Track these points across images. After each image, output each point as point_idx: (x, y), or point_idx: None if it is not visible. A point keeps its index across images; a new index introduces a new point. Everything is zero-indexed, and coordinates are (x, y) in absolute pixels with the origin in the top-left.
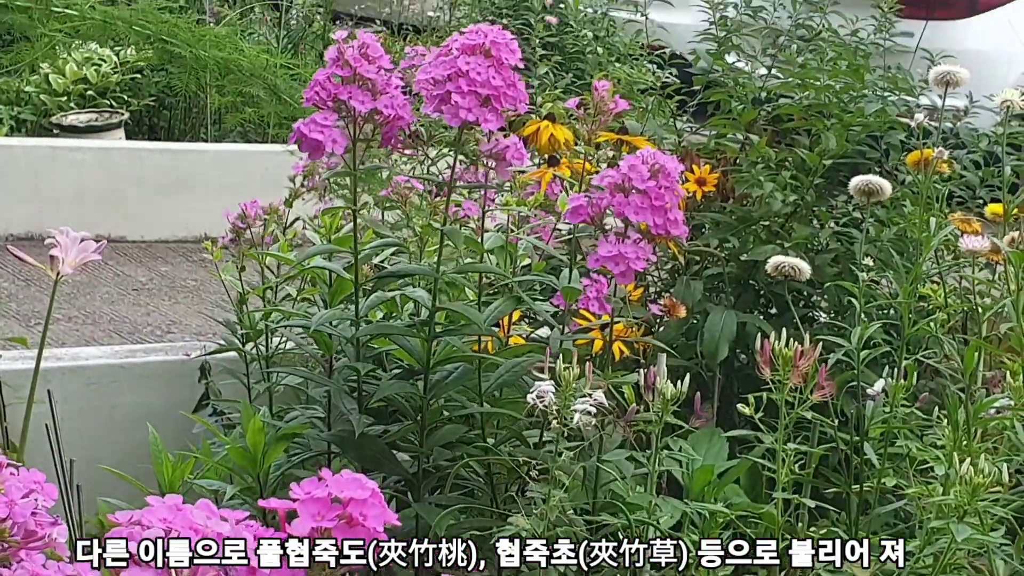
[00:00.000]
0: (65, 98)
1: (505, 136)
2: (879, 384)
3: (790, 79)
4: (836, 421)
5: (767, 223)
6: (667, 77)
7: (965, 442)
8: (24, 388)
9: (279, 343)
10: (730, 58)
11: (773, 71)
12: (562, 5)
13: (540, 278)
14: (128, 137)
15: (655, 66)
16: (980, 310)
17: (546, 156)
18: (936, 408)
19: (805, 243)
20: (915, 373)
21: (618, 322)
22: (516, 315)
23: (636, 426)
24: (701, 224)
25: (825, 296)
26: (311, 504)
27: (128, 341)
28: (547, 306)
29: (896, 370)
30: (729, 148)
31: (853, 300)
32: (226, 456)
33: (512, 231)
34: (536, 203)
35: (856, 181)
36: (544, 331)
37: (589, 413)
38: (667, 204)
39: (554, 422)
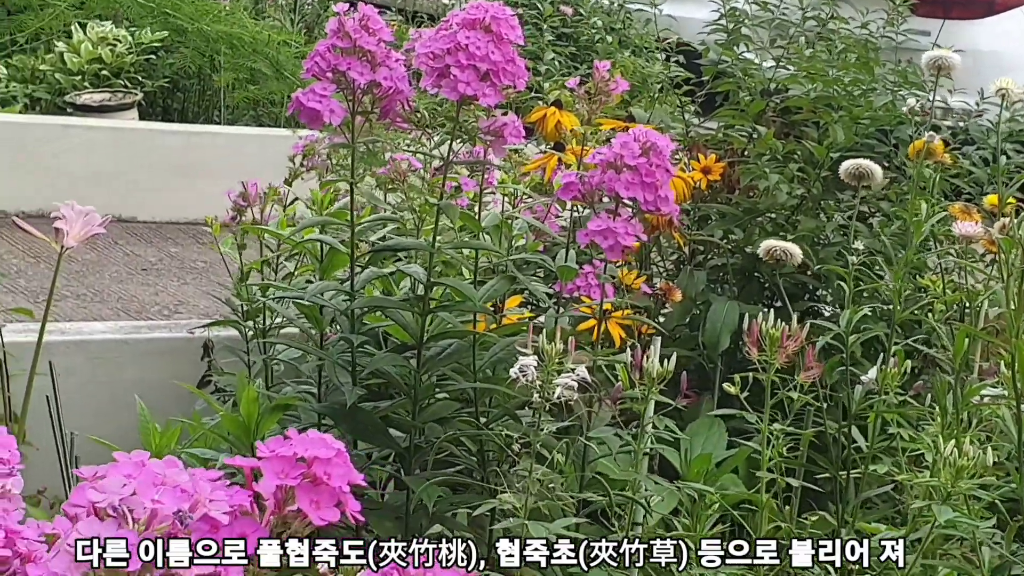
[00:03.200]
0: (80, 77)
1: (505, 115)
2: (873, 371)
3: (798, 71)
4: (826, 406)
5: (773, 215)
6: (676, 69)
7: (953, 428)
8: (27, 360)
9: (280, 321)
10: (740, 50)
11: (782, 63)
12: None
13: (535, 258)
14: (142, 118)
15: (665, 56)
16: (972, 296)
17: (552, 143)
18: (929, 398)
19: (811, 236)
20: (906, 360)
21: (614, 306)
22: (517, 300)
23: (626, 406)
24: (708, 215)
25: (830, 290)
26: (276, 462)
27: (135, 319)
28: (543, 287)
29: (887, 357)
30: (736, 139)
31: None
32: (219, 424)
33: (509, 211)
34: (532, 183)
35: (847, 164)
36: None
37: (571, 388)
38: (657, 181)
39: (536, 396)
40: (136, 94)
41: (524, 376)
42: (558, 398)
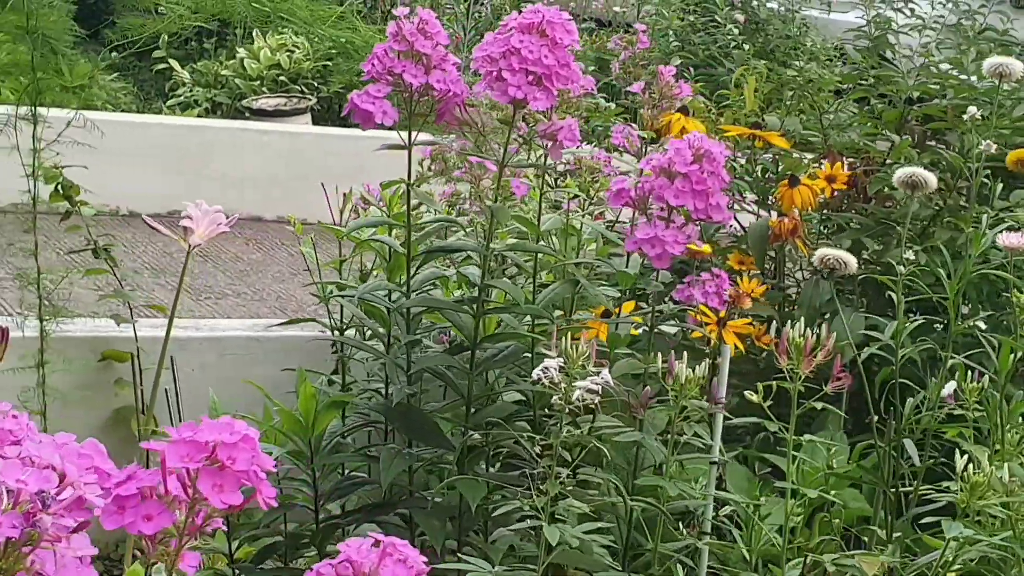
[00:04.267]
0: (259, 82)
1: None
2: (950, 386)
3: (930, 79)
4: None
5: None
6: (812, 74)
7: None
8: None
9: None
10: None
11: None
12: (755, 3)
13: (601, 261)
14: (315, 122)
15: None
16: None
17: None
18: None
19: (946, 247)
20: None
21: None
22: (631, 306)
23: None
24: (842, 224)
25: (969, 304)
26: (180, 446)
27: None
28: (610, 291)
29: (943, 370)
30: (872, 148)
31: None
32: (280, 421)
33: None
34: (603, 187)
35: (900, 173)
36: (664, 326)
37: (593, 391)
38: (709, 189)
39: (555, 398)
40: (310, 99)
41: (546, 377)
42: (579, 400)
